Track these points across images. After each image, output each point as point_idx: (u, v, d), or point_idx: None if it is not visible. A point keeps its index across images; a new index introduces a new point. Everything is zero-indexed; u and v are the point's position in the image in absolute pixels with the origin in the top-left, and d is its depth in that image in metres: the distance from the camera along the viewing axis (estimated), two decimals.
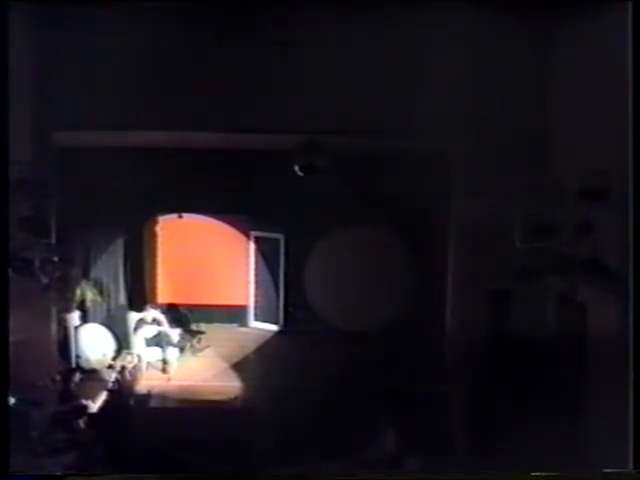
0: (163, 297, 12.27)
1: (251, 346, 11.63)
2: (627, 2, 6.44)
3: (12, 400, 8.35)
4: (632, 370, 6.14)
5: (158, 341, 10.78)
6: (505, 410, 8.19)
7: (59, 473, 6.56)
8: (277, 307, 12.41)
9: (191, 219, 12.04)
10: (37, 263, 8.63)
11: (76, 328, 10.27)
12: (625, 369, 6.28)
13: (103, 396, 9.11)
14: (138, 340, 10.73)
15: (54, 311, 9.60)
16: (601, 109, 6.99)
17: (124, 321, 11.05)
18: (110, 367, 10.25)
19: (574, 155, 7.91)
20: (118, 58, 8.49)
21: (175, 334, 11.10)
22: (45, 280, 8.79)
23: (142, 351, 10.64)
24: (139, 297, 11.57)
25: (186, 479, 6.90)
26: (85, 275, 10.56)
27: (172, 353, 10.80)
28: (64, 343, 9.96)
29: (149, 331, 10.82)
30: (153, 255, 12.26)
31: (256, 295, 12.59)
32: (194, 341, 11.51)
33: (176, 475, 6.73)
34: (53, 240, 8.82)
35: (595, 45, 7.37)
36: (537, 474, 6.16)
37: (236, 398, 9.79)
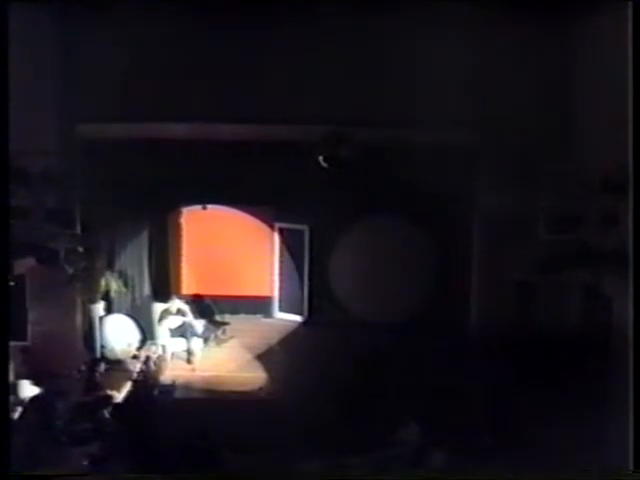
0: (188, 288, 12.33)
1: (275, 337, 11.65)
2: (627, 2, 6.36)
3: (38, 390, 8.50)
4: (632, 370, 6.06)
5: (183, 332, 10.78)
6: (523, 406, 8.18)
7: (58, 473, 6.60)
8: (301, 298, 12.43)
9: (215, 210, 12.07)
10: (62, 254, 8.67)
11: (101, 318, 10.34)
12: None
13: (128, 386, 9.16)
14: (163, 331, 10.76)
15: (79, 302, 9.68)
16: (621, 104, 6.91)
17: (149, 312, 11.11)
18: (135, 357, 10.31)
19: (600, 148, 7.84)
20: (144, 51, 8.54)
21: (200, 325, 11.11)
22: (70, 271, 8.85)
23: (167, 342, 10.68)
24: (164, 288, 11.64)
25: (188, 479, 6.93)
26: (110, 266, 10.60)
27: (196, 344, 10.81)
28: (89, 333, 10.05)
29: (174, 322, 10.83)
30: (177, 246, 12.32)
31: (280, 286, 12.61)
32: (218, 332, 11.54)
33: (178, 475, 6.79)
34: (78, 231, 8.85)
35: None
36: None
37: (260, 389, 9.79)
